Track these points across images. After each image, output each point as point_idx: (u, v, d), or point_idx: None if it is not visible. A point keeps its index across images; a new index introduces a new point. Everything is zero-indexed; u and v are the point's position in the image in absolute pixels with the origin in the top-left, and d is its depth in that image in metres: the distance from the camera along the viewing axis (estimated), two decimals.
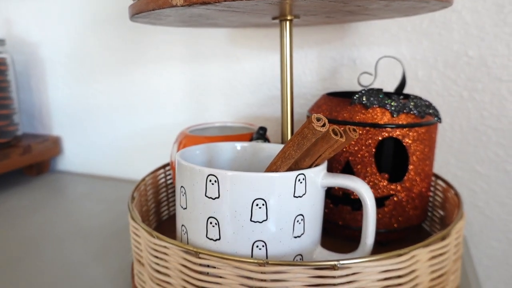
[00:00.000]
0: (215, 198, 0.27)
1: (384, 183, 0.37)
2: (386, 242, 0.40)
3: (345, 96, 0.42)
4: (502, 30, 0.47)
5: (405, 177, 0.37)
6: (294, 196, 0.27)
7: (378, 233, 0.39)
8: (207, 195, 0.27)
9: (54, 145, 0.75)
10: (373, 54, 0.53)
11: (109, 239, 0.48)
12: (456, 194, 0.37)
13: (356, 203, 0.38)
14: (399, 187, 0.37)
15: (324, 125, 0.23)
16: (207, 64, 0.63)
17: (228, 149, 0.38)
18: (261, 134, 0.42)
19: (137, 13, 0.30)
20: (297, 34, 0.56)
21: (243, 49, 0.60)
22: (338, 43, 0.55)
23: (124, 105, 0.70)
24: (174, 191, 0.50)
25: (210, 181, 0.27)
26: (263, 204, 0.27)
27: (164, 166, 0.49)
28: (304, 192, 0.28)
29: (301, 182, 0.27)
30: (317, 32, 0.55)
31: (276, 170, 0.28)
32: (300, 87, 0.58)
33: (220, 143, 0.37)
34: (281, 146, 0.38)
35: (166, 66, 0.65)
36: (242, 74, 0.61)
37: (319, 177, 0.29)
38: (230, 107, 0.63)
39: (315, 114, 0.23)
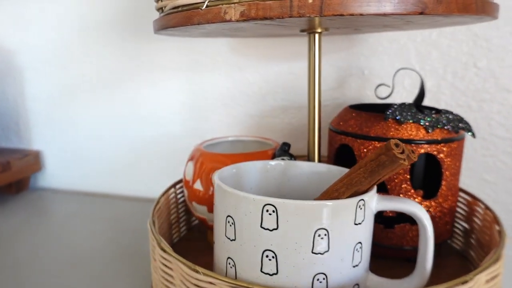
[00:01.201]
0: (273, 229, 0.25)
1: (419, 200, 0.36)
2: (414, 259, 0.40)
3: (366, 109, 0.41)
4: (509, 42, 0.48)
5: (438, 193, 0.37)
6: (355, 224, 0.26)
7: (406, 250, 0.38)
8: (263, 226, 0.25)
9: (35, 160, 0.69)
10: (382, 65, 0.53)
11: (112, 265, 0.44)
12: (488, 209, 0.37)
13: (388, 221, 0.37)
14: (433, 203, 0.36)
15: (403, 152, 0.22)
16: (206, 73, 0.60)
17: (257, 168, 0.35)
18: (285, 151, 0.40)
19: (174, 26, 0.27)
20: (302, 44, 0.55)
21: (245, 57, 0.58)
22: (345, 53, 0.54)
23: (113, 116, 0.66)
24: (185, 211, 0.47)
25: (267, 211, 0.25)
26: (325, 234, 0.25)
27: (174, 185, 0.46)
28: (363, 219, 0.26)
29: (361, 208, 0.26)
30: (324, 42, 0.54)
31: (337, 197, 0.26)
32: (306, 98, 0.56)
33: (252, 162, 0.35)
34: (312, 164, 0.36)
35: (161, 75, 0.62)
36: (244, 83, 0.59)
37: (373, 201, 0.28)
38: (230, 118, 0.61)
39: (393, 140, 0.22)
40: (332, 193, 0.26)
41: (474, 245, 0.39)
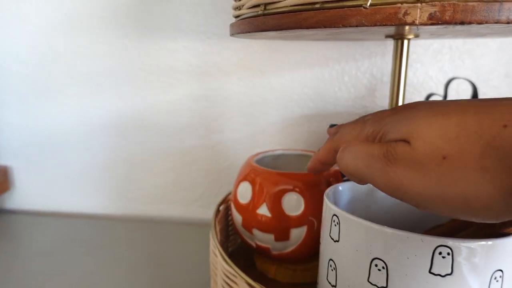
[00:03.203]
0: (446, 275, 0.21)
1: None
2: None
3: None
4: None
5: None
6: None
7: None
8: (432, 271, 0.21)
9: (3, 178, 0.57)
10: (416, 72, 0.51)
11: None
12: None
13: None
14: None
15: None
16: (222, 77, 0.54)
17: (345, 190, 0.31)
18: None
19: (314, 27, 0.22)
20: (333, 48, 0.51)
21: (267, 60, 0.53)
22: (378, 59, 0.51)
23: (106, 125, 0.57)
24: (229, 234, 0.41)
25: (440, 253, 0.21)
26: (500, 276, 0.22)
27: (218, 207, 0.40)
28: None
29: None
30: (356, 47, 0.51)
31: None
32: (334, 105, 0.53)
33: (342, 184, 0.31)
34: None
35: (168, 78, 0.54)
36: (266, 89, 0.54)
37: None
38: (249, 127, 0.55)
39: None
40: (500, 227, 0.23)
41: None
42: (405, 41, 0.33)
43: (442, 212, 0.18)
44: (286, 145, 0.55)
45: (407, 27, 0.29)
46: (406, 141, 0.18)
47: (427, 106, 0.19)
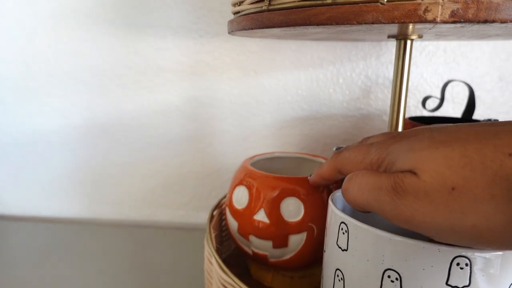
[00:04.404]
0: (463, 287, 0.20)
1: None
2: None
3: (423, 122, 0.38)
4: None
5: None
6: None
7: None
8: (449, 283, 0.20)
9: None
10: (411, 74, 0.50)
11: None
12: None
13: None
14: None
15: None
16: (213, 77, 0.52)
17: None
18: None
19: (324, 24, 0.20)
20: (327, 49, 0.50)
21: (261, 60, 0.51)
22: (374, 60, 0.50)
23: (90, 127, 0.54)
24: (222, 240, 0.40)
25: (458, 264, 0.20)
26: None
27: (212, 212, 0.38)
28: None
29: None
30: (351, 48, 0.50)
31: None
32: (329, 107, 0.52)
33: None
34: None
35: (157, 78, 0.52)
36: (259, 90, 0.52)
37: None
38: (241, 128, 0.53)
39: None
40: None
41: None
42: (408, 42, 0.32)
43: (456, 243, 0.18)
44: (279, 147, 0.54)
45: (410, 26, 0.28)
46: (413, 172, 0.18)
47: (429, 135, 0.19)
